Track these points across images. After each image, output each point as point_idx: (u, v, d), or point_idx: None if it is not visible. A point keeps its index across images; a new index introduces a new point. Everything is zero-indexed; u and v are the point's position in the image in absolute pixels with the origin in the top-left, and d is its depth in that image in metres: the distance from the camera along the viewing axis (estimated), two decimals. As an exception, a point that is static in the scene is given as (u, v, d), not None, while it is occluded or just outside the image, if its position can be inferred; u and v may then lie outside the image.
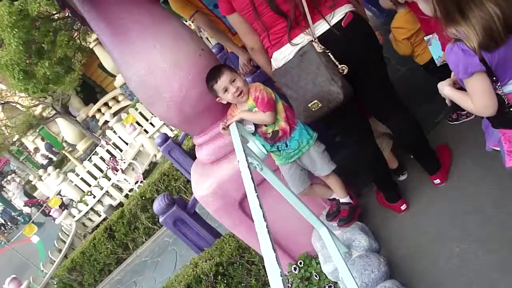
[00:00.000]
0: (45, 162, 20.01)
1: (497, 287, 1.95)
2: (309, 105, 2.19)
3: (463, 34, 1.48)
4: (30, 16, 6.71)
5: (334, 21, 2.14)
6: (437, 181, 2.61)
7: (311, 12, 2.09)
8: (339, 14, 2.14)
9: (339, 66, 2.11)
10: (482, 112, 1.63)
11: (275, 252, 1.23)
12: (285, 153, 2.48)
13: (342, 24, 2.13)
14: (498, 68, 1.53)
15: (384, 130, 2.77)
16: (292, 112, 2.44)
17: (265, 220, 1.40)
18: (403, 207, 2.69)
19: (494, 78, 1.54)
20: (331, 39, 2.13)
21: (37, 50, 7.39)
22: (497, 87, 1.57)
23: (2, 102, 15.62)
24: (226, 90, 2.30)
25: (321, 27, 2.14)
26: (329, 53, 2.12)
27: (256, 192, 1.59)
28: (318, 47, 2.10)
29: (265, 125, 2.40)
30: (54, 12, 7.72)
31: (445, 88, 1.78)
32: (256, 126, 2.41)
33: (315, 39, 2.12)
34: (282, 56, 2.23)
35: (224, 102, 2.38)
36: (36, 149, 21.59)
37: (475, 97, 1.58)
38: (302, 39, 2.15)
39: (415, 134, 2.52)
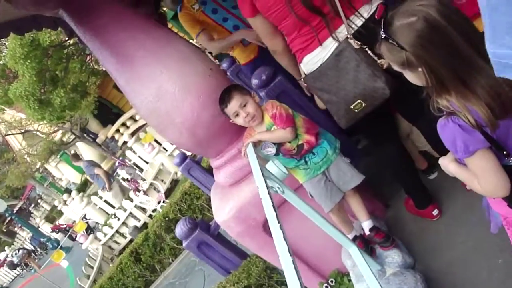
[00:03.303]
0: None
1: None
2: (351, 107, 2.07)
3: (456, 107, 1.28)
4: (42, 46, 6.74)
5: (367, 15, 2.02)
6: (472, 186, 2.46)
7: (343, 7, 1.98)
8: (371, 7, 2.03)
9: (379, 61, 1.96)
10: (492, 193, 1.38)
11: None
12: (313, 164, 2.34)
13: (376, 16, 1.99)
14: (508, 140, 1.31)
15: (410, 131, 2.64)
16: (312, 123, 2.34)
17: (290, 256, 1.29)
18: (435, 212, 2.53)
19: (504, 152, 1.30)
20: (366, 33, 1.99)
21: (51, 78, 7.45)
22: (510, 160, 1.32)
23: (23, 131, 15.86)
24: (237, 114, 2.22)
25: (355, 22, 2.03)
26: (366, 49, 1.98)
27: (279, 222, 1.49)
28: (355, 44, 1.98)
29: (289, 142, 2.28)
30: (65, 39, 7.76)
31: (449, 166, 1.50)
32: (279, 146, 2.29)
33: (350, 35, 1.99)
34: (317, 59, 2.11)
35: (238, 123, 2.29)
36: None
37: (482, 177, 1.34)
38: (334, 39, 2.04)
39: None
